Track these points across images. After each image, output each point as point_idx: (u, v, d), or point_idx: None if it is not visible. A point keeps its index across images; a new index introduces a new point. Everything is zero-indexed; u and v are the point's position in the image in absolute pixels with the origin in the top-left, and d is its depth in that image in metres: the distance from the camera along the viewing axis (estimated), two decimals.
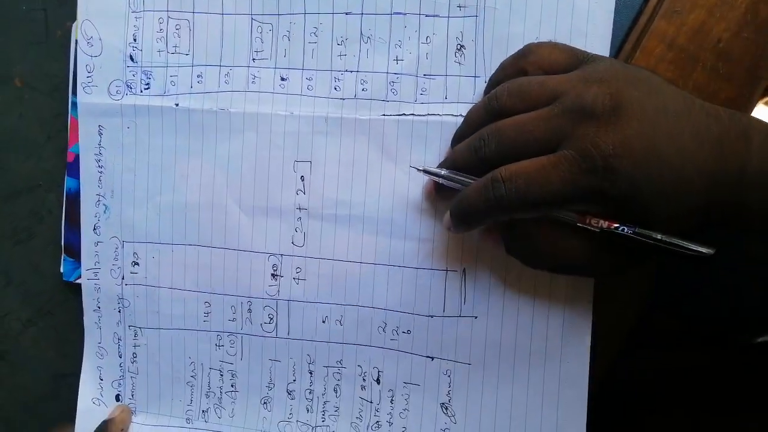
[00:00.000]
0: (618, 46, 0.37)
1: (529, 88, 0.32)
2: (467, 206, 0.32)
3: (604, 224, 0.30)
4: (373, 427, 0.39)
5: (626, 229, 0.30)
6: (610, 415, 0.45)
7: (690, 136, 0.29)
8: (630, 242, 0.30)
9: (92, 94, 0.39)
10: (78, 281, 0.42)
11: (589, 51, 0.34)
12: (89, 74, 0.39)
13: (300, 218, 0.38)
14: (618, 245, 0.30)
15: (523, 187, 0.29)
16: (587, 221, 0.30)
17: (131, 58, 0.39)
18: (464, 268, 0.37)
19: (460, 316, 0.37)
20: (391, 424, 0.39)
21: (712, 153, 0.29)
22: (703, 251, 0.29)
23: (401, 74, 0.37)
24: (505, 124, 0.31)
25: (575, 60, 0.32)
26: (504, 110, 0.32)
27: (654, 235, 0.29)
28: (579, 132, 0.29)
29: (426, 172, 0.34)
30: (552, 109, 0.30)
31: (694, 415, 0.40)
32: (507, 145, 0.31)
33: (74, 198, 0.41)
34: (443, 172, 0.34)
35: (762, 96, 0.36)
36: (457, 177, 0.33)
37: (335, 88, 0.37)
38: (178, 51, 0.39)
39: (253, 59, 0.38)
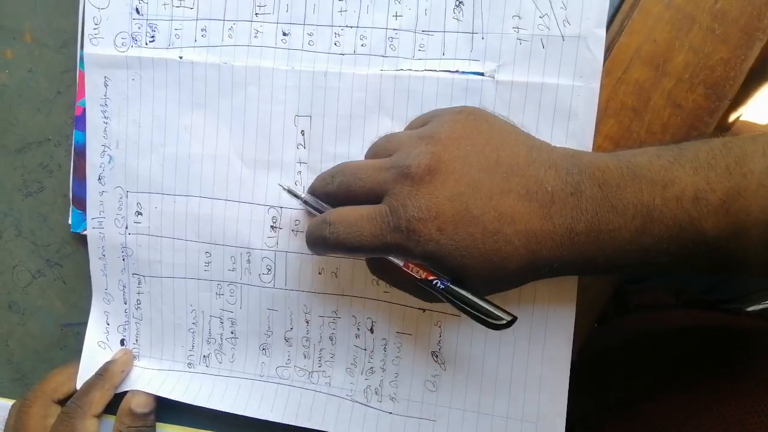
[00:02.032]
0: (616, 6, 0.37)
1: (381, 141, 0.35)
2: (309, 237, 0.34)
3: (423, 274, 0.32)
4: (368, 373, 0.40)
5: (439, 283, 0.31)
6: (595, 372, 0.46)
7: (517, 196, 0.30)
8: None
9: (98, 46, 0.40)
10: (85, 232, 0.43)
11: (586, 10, 0.35)
12: (96, 26, 0.40)
13: (300, 172, 0.39)
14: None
15: (342, 233, 0.32)
16: (410, 268, 0.32)
17: (137, 11, 0.40)
18: None
19: None
20: (384, 370, 0.40)
21: (540, 212, 0.30)
22: (504, 318, 0.31)
23: (400, 30, 0.38)
24: (348, 166, 0.35)
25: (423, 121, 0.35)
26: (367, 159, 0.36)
27: (462, 296, 0.31)
28: (396, 189, 0.31)
29: (289, 191, 0.38)
30: (385, 162, 0.33)
31: (679, 374, 0.41)
32: (344, 185, 0.34)
33: (82, 151, 0.42)
34: (303, 195, 0.37)
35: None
36: (310, 203, 0.37)
37: (335, 44, 0.38)
38: (183, 5, 0.39)
39: (256, 14, 0.39)
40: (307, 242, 0.35)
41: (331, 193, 0.35)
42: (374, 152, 0.35)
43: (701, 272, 0.33)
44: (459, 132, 0.32)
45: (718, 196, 0.28)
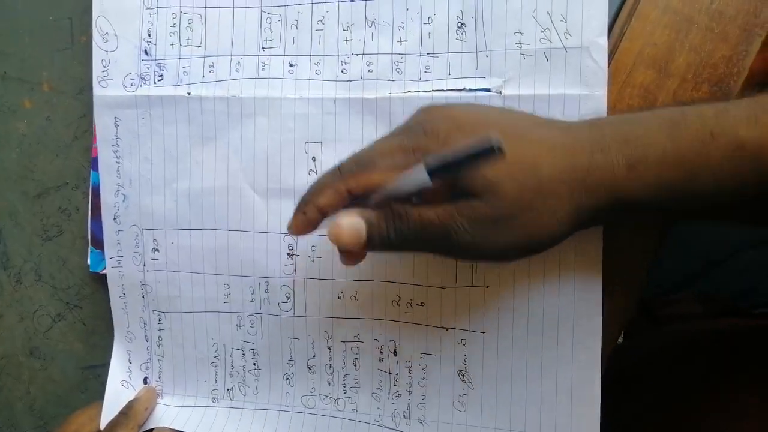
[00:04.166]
0: (614, 14, 0.38)
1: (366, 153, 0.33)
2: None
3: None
4: (394, 397, 0.40)
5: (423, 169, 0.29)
6: (627, 386, 0.45)
7: (530, 123, 0.31)
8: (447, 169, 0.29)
9: (107, 88, 0.41)
10: (104, 272, 0.43)
11: (586, 21, 0.35)
12: (104, 68, 0.41)
13: None
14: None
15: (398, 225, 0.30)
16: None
17: (146, 52, 0.41)
18: None
19: (472, 286, 0.38)
20: (410, 392, 0.40)
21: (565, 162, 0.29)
22: (491, 140, 0.27)
23: (405, 54, 0.38)
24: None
25: None
26: None
27: (446, 156, 0.28)
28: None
29: None
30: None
31: (712, 376, 0.40)
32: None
33: (99, 191, 0.43)
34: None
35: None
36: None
37: (342, 71, 0.39)
38: (190, 44, 0.41)
39: (263, 48, 0.40)
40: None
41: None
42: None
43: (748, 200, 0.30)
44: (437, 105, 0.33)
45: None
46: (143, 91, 0.41)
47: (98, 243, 0.43)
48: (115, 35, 0.41)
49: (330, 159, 0.39)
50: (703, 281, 0.58)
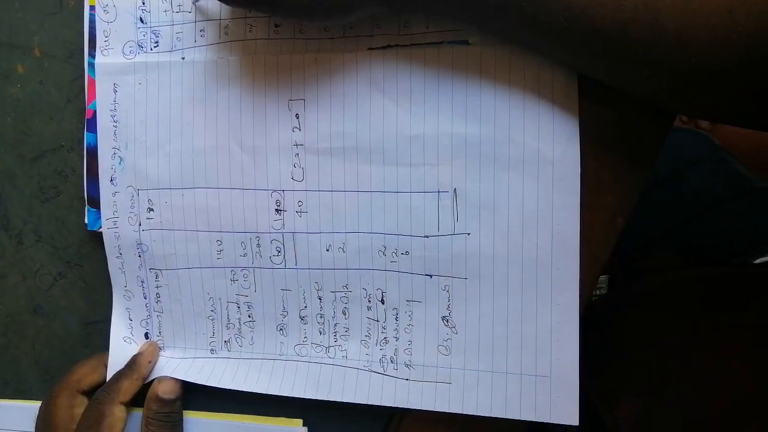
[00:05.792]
0: None
1: None
2: None
3: None
4: (382, 343, 0.42)
5: None
6: (606, 334, 0.47)
7: None
8: None
9: (108, 56, 0.43)
10: (101, 230, 0.45)
11: None
12: (106, 38, 0.43)
13: (297, 154, 0.41)
14: None
15: None
16: None
17: (141, 20, 0.42)
18: (455, 188, 0.39)
19: (453, 234, 0.40)
20: (397, 339, 0.41)
21: None
22: None
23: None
24: None
25: None
26: None
27: None
28: None
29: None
30: None
31: (687, 326, 0.42)
32: None
33: (93, 151, 0.44)
34: None
35: None
36: None
37: (325, 29, 0.40)
38: (182, 10, 0.42)
39: (249, 11, 0.41)
40: None
41: None
42: None
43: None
44: None
45: None
46: (141, 57, 0.42)
47: (94, 202, 0.45)
48: (114, 6, 0.42)
49: (313, 115, 0.41)
50: (680, 235, 0.59)
